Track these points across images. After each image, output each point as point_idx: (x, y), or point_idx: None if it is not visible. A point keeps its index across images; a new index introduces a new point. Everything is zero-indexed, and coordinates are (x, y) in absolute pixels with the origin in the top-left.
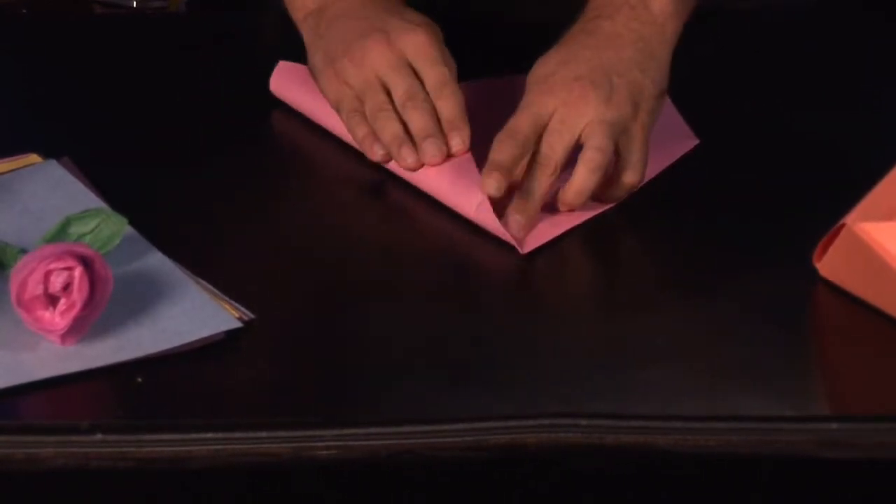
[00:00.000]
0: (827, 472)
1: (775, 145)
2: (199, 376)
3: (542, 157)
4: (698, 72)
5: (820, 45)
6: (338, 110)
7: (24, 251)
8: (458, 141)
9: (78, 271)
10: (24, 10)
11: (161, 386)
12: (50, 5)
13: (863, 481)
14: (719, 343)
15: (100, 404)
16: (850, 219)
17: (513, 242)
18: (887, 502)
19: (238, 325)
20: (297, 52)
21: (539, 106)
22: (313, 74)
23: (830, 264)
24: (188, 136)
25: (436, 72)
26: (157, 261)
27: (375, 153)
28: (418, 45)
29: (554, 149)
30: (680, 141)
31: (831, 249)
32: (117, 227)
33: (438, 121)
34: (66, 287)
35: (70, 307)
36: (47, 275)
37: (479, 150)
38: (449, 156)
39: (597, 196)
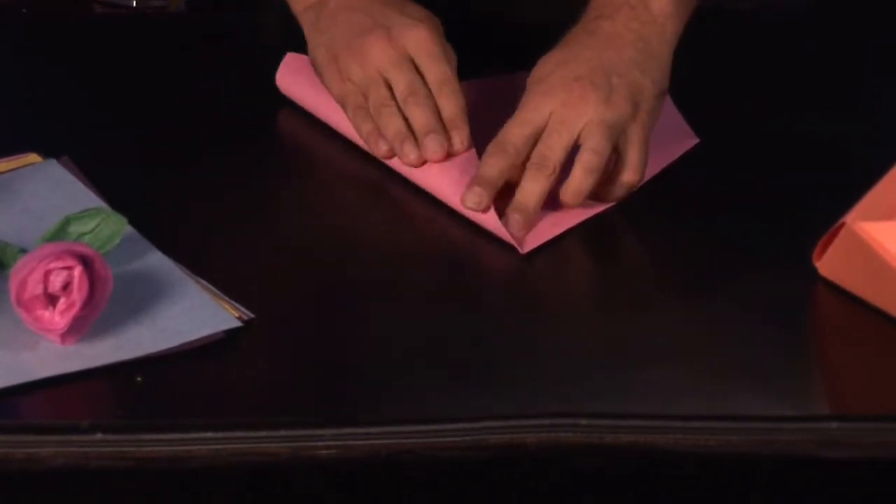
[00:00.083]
0: (827, 472)
1: (775, 145)
2: (198, 376)
3: (542, 158)
4: (698, 72)
5: (820, 45)
6: (343, 107)
7: (23, 251)
8: (458, 140)
9: (78, 271)
10: (24, 10)
11: (161, 385)
12: (50, 5)
13: (863, 481)
14: (719, 343)
15: (100, 404)
16: (850, 218)
17: (512, 242)
18: (887, 502)
19: (238, 324)
20: (298, 52)
21: (535, 110)
22: (315, 69)
23: (830, 263)
24: (188, 135)
25: (437, 69)
26: (156, 260)
27: (380, 149)
28: (420, 40)
29: (553, 149)
30: (680, 140)
31: (831, 249)
32: (117, 226)
33: (440, 117)
34: (66, 286)
35: (70, 307)
36: (47, 274)
37: (480, 150)
38: (450, 153)
39: (596, 195)
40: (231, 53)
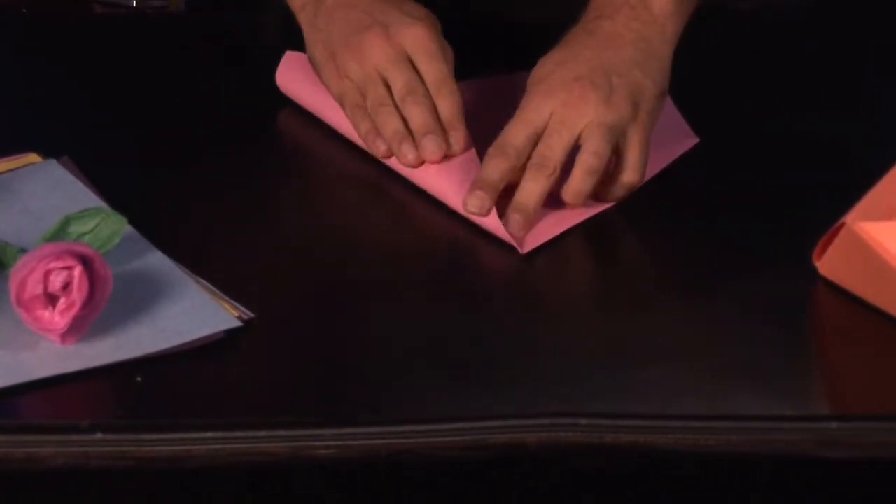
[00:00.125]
0: (827, 472)
1: (775, 145)
2: (198, 375)
3: (542, 158)
4: (698, 72)
5: (820, 45)
6: (341, 105)
7: (23, 250)
8: (455, 141)
9: (77, 271)
10: (24, 10)
11: (161, 385)
12: (50, 5)
13: (863, 481)
14: (719, 343)
15: (99, 403)
16: (850, 218)
17: (512, 242)
18: (887, 502)
19: (238, 324)
20: (298, 51)
21: (535, 111)
22: (313, 66)
23: (830, 263)
24: (188, 135)
25: (435, 68)
26: (156, 260)
27: (378, 148)
28: (418, 39)
29: (553, 149)
30: (680, 139)
31: (831, 248)
32: (117, 226)
33: (438, 117)
34: (66, 286)
35: (69, 306)
36: (47, 274)
37: (479, 150)
38: (448, 153)
39: (597, 195)
40: (231, 53)
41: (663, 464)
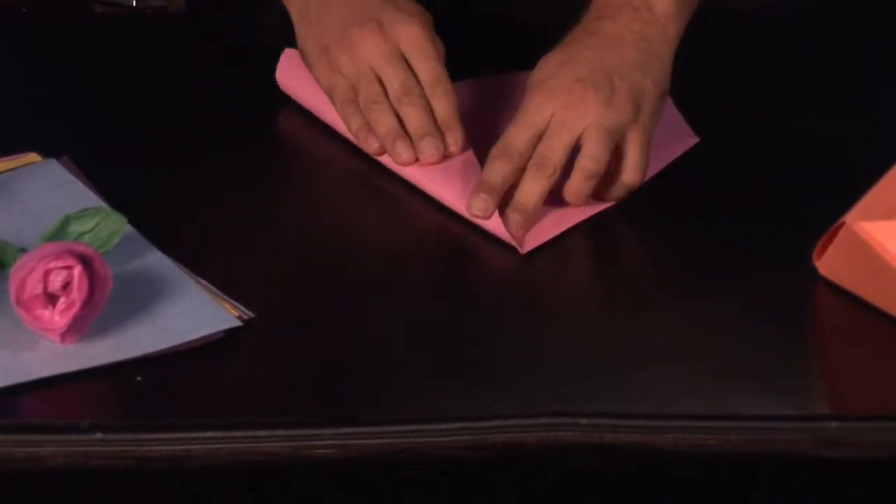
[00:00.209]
0: (827, 472)
1: (775, 145)
2: (198, 375)
3: (542, 158)
4: (698, 72)
5: (820, 45)
6: (331, 99)
7: (23, 250)
8: (452, 142)
9: (77, 270)
10: (24, 10)
11: (160, 385)
12: (50, 5)
13: (862, 481)
14: (719, 343)
15: (99, 403)
16: (850, 217)
17: (512, 242)
18: (887, 502)
19: (238, 324)
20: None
21: (536, 112)
22: (304, 58)
23: (830, 263)
24: (187, 135)
25: (430, 67)
26: (156, 260)
27: (370, 145)
28: (412, 36)
29: (553, 150)
30: (680, 139)
31: (831, 248)
32: (117, 226)
33: (434, 117)
34: (66, 286)
35: (69, 306)
36: (47, 274)
37: (478, 150)
38: (445, 154)
39: (597, 195)
40: (231, 53)
41: (663, 464)
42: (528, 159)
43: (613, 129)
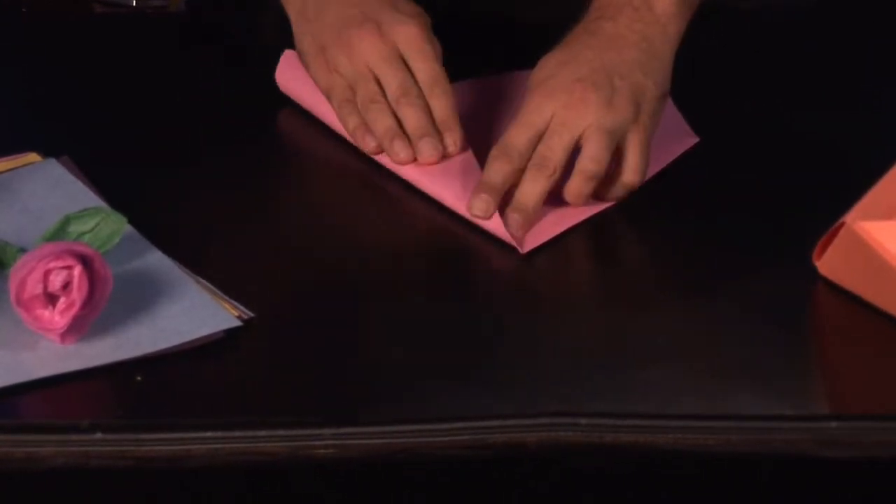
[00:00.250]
0: (826, 472)
1: (775, 145)
2: (198, 375)
3: (542, 158)
4: (699, 72)
5: (820, 45)
6: (328, 98)
7: (23, 250)
8: (451, 142)
9: (77, 270)
10: (24, 10)
11: (160, 385)
12: (50, 5)
13: (862, 481)
14: (719, 343)
15: (99, 403)
16: (850, 217)
17: (512, 242)
18: (887, 502)
19: (237, 323)
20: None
21: (536, 113)
22: (301, 58)
23: (830, 263)
24: (187, 135)
25: (428, 67)
26: (156, 259)
27: (368, 144)
28: (410, 37)
29: (553, 150)
30: (680, 139)
31: (831, 248)
32: (117, 225)
33: (432, 118)
34: (66, 286)
35: (69, 306)
36: (47, 274)
37: (478, 150)
38: (443, 154)
39: (597, 195)
40: (231, 53)
41: (663, 464)
42: (528, 159)
43: (614, 130)
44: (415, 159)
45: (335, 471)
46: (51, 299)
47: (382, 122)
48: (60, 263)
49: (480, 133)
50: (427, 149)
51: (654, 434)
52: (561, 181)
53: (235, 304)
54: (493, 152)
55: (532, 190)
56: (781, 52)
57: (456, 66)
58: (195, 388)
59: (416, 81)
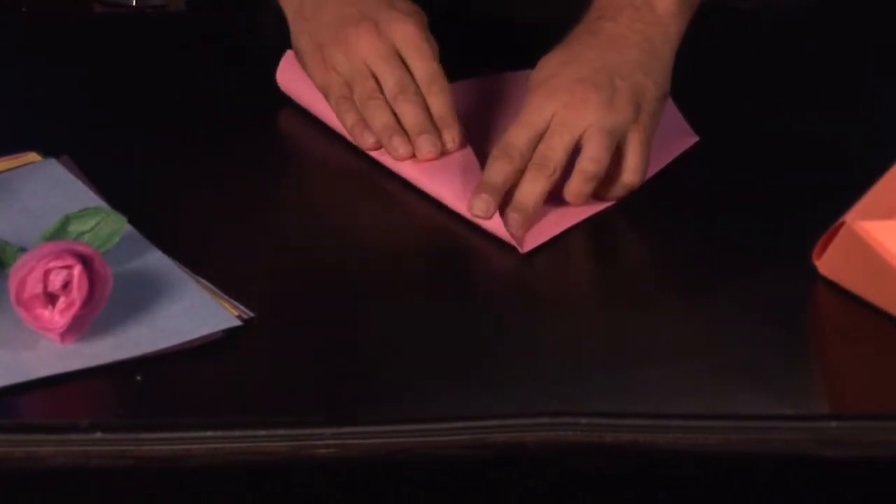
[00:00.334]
0: (826, 471)
1: (775, 145)
2: (198, 375)
3: (542, 158)
4: (699, 71)
5: (820, 45)
6: (326, 96)
7: (23, 250)
8: (450, 139)
9: (77, 270)
10: (24, 10)
11: (160, 384)
12: (50, 5)
13: (862, 480)
14: (719, 343)
15: (99, 403)
16: (850, 217)
17: (512, 242)
18: (887, 502)
19: (237, 323)
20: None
21: (537, 113)
22: (298, 56)
23: (830, 262)
24: (187, 135)
25: (426, 65)
26: (156, 259)
27: (366, 141)
28: (408, 35)
29: (554, 150)
30: (680, 139)
31: (831, 247)
32: (116, 225)
33: (430, 115)
34: (66, 285)
35: (69, 306)
36: (46, 273)
37: (477, 149)
38: (442, 151)
39: (597, 195)
40: (231, 53)
41: (663, 464)
42: (529, 159)
43: (614, 130)
44: (414, 155)
45: (335, 470)
46: (51, 299)
47: (380, 119)
48: (60, 263)
49: (480, 133)
50: (426, 145)
51: (654, 434)
52: (561, 181)
53: (235, 303)
54: (494, 152)
55: (532, 190)
56: (781, 52)
57: (455, 65)
58: (195, 388)
59: (413, 79)
